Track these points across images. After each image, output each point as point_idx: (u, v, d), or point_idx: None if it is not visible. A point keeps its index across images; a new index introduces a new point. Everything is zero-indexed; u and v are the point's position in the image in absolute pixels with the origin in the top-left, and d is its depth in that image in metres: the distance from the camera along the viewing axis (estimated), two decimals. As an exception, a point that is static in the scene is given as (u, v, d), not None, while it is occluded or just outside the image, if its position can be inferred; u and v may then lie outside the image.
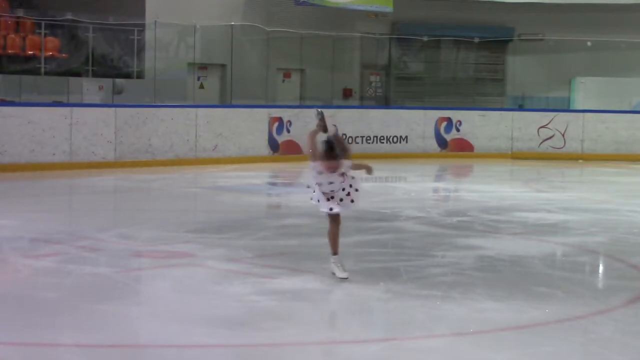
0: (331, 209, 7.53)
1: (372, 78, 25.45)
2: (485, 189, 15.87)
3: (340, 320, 6.75)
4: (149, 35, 20.72)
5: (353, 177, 7.61)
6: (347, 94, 24.66)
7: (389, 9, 23.78)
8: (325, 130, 7.89)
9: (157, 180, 16.07)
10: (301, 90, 24.08)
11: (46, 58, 19.55)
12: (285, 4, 22.86)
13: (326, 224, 7.69)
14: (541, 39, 25.42)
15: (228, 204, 13.29)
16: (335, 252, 7.63)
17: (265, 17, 22.69)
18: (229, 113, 19.89)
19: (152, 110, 18.59)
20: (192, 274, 7.97)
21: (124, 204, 14.05)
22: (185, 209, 13.29)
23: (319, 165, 7.48)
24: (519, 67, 25.69)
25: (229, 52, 22.10)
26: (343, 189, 7.54)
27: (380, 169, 19.15)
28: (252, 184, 16.23)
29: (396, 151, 21.81)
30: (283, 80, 24.02)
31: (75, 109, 17.60)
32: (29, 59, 19.54)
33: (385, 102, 25.12)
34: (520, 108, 24.77)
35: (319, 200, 7.58)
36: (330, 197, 7.53)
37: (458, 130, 22.47)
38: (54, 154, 17.01)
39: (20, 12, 20.29)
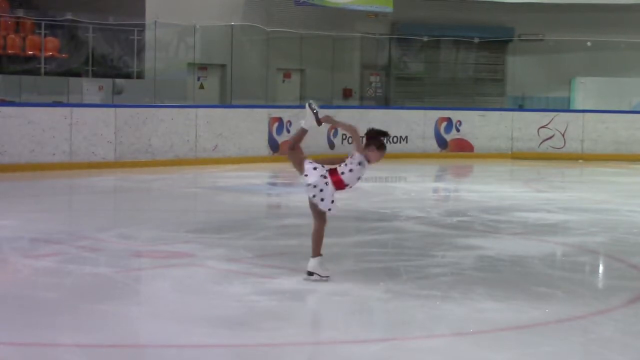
0: (329, 210, 7.52)
1: (372, 78, 25.46)
2: (485, 189, 15.87)
3: (340, 320, 6.74)
4: (149, 35, 20.73)
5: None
6: (347, 94, 24.67)
7: (389, 9, 23.78)
8: (319, 123, 7.91)
9: (157, 180, 16.07)
10: (301, 91, 24.08)
11: (46, 58, 19.55)
12: (285, 4, 22.86)
13: (328, 224, 7.65)
14: (541, 39, 25.43)
15: (228, 204, 13.29)
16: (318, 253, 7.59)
17: (265, 17, 22.70)
18: (229, 113, 19.89)
19: (152, 110, 18.59)
20: (192, 274, 7.97)
21: (124, 204, 14.05)
22: (185, 209, 13.29)
23: (365, 156, 7.38)
24: (519, 67, 25.70)
25: (229, 52, 22.11)
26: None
27: (380, 169, 19.18)
28: (252, 184, 16.23)
29: (396, 151, 21.78)
30: (283, 81, 24.02)
31: (75, 109, 17.60)
32: (29, 59, 19.55)
33: (385, 102, 25.12)
34: (520, 108, 24.77)
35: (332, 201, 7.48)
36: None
37: (458, 130, 22.47)
38: (54, 154, 17.01)
39: (20, 12, 20.29)
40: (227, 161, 19.17)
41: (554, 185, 17.66)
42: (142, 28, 20.70)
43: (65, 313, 6.49)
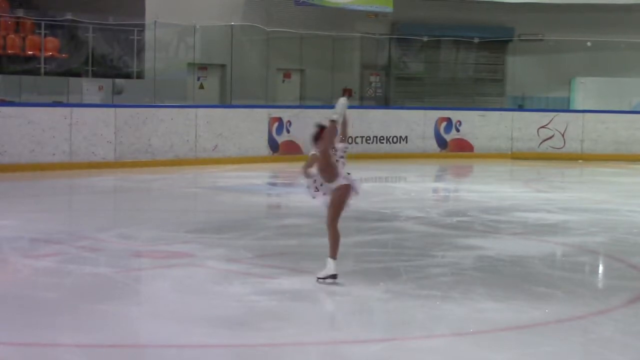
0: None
1: (372, 78, 25.45)
2: (485, 189, 15.87)
3: (340, 320, 6.75)
4: (148, 35, 20.72)
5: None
6: (346, 94, 24.66)
7: (389, 9, 23.78)
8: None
9: (157, 180, 16.07)
10: (301, 91, 24.07)
11: (46, 58, 19.54)
12: (285, 4, 22.86)
13: (325, 224, 7.65)
14: (541, 39, 25.42)
15: (228, 204, 13.30)
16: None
17: (265, 17, 22.69)
18: (229, 113, 19.89)
19: (152, 110, 18.59)
20: (192, 274, 7.97)
21: (124, 204, 14.05)
22: (185, 209, 13.29)
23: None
24: (518, 67, 25.69)
25: (229, 52, 22.10)
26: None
27: (380, 169, 19.20)
28: (252, 184, 16.23)
29: (396, 151, 21.80)
30: (283, 81, 24.02)
31: (75, 109, 17.60)
32: (29, 59, 19.54)
33: (385, 102, 25.11)
34: (520, 108, 24.76)
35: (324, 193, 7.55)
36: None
37: (458, 130, 22.47)
38: (54, 154, 17.01)
39: (20, 12, 20.28)
40: (227, 161, 19.17)
41: (554, 185, 17.66)
42: (142, 28, 20.69)
43: (65, 313, 6.49)
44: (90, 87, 19.56)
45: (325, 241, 7.64)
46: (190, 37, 21.72)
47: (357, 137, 21.29)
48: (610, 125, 22.58)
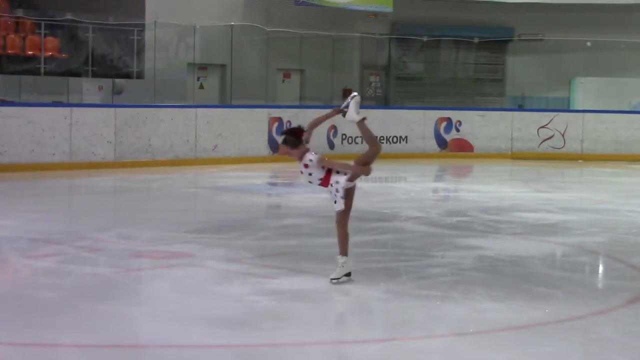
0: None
1: (372, 78, 25.45)
2: (485, 189, 15.87)
3: (340, 320, 6.75)
4: (148, 35, 20.72)
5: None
6: (347, 94, 24.63)
7: (388, 9, 23.79)
8: (344, 114, 7.88)
9: (157, 181, 16.07)
10: (301, 91, 24.08)
11: (46, 58, 19.54)
12: (285, 4, 22.86)
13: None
14: (541, 39, 25.43)
15: (228, 204, 13.29)
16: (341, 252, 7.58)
17: (264, 17, 22.70)
18: (229, 113, 19.89)
19: (151, 110, 18.59)
20: (191, 274, 7.97)
21: (124, 204, 14.05)
22: (185, 209, 13.29)
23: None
24: (518, 67, 25.70)
25: (229, 52, 22.10)
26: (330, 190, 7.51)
27: (380, 169, 19.16)
28: (252, 184, 16.23)
29: (396, 151, 21.79)
30: (283, 81, 24.02)
31: (75, 109, 17.60)
32: (29, 59, 19.54)
33: (385, 102, 25.12)
34: (520, 108, 24.76)
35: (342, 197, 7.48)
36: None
37: (458, 130, 22.47)
38: (53, 154, 17.01)
39: (20, 12, 20.28)
40: (227, 161, 19.17)
41: (554, 185, 17.66)
42: (142, 28, 20.69)
43: (65, 313, 6.48)
44: (90, 87, 19.56)
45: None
46: (190, 37, 21.72)
47: (357, 137, 21.28)
48: (610, 125, 22.58)
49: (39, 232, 9.90)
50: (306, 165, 7.41)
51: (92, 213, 12.26)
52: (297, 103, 23.11)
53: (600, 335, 6.26)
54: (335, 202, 7.38)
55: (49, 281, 7.55)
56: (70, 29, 20.15)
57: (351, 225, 7.58)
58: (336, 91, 24.28)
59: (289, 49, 23.41)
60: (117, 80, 20.00)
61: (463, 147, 22.48)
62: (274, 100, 22.78)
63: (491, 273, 8.24)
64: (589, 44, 24.91)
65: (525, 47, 25.60)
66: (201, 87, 22.36)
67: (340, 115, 7.84)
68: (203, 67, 22.45)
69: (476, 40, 25.37)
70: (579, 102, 25.23)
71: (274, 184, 17.32)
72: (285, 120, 20.18)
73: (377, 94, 25.38)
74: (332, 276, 7.43)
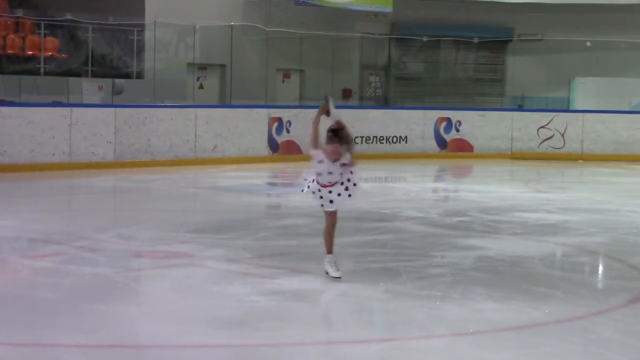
0: (322, 205, 7.52)
1: (372, 78, 25.45)
2: (485, 189, 15.87)
3: (340, 320, 6.74)
4: (148, 35, 20.72)
5: (352, 172, 7.54)
6: (346, 94, 24.66)
7: (388, 9, 23.79)
8: (328, 114, 7.85)
9: (157, 181, 16.07)
10: (301, 91, 24.08)
11: (46, 58, 19.54)
12: (285, 4, 22.87)
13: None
14: (541, 39, 25.43)
15: (228, 204, 13.29)
16: (329, 252, 7.59)
17: (264, 18, 22.70)
18: (229, 113, 19.89)
19: (151, 110, 18.59)
20: (191, 274, 7.96)
21: (124, 204, 14.05)
22: (185, 209, 13.29)
23: (321, 153, 7.42)
24: (518, 67, 25.70)
25: (229, 53, 22.11)
26: (342, 183, 7.48)
27: (380, 169, 19.19)
28: (251, 184, 16.23)
29: (396, 151, 21.80)
30: (283, 81, 24.02)
31: (75, 109, 17.60)
32: (29, 59, 19.54)
33: (384, 102, 25.12)
34: (520, 108, 24.77)
35: (314, 192, 7.52)
36: (329, 191, 7.47)
37: (458, 130, 22.47)
38: (53, 155, 17.01)
39: (20, 12, 20.28)
40: (226, 161, 19.17)
41: (554, 185, 17.66)
42: (141, 28, 20.69)
43: (65, 313, 6.48)
44: (90, 87, 19.57)
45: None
46: (190, 37, 21.73)
47: (357, 137, 21.29)
48: (610, 125, 22.58)
49: (38, 232, 9.90)
50: (343, 165, 7.43)
51: (91, 213, 12.26)
52: (297, 103, 23.10)
53: (600, 335, 6.26)
54: (349, 195, 7.43)
55: (49, 281, 7.54)
56: (70, 29, 20.15)
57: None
58: (336, 91, 24.28)
59: (288, 49, 23.41)
60: (117, 80, 20.00)
61: (463, 147, 22.48)
62: (274, 100, 22.78)
63: (491, 273, 8.24)
64: (589, 44, 24.91)
65: (525, 47, 25.60)
66: (201, 87, 22.36)
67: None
68: (203, 67, 22.45)
69: (476, 40, 25.38)
70: (578, 102, 25.23)
71: (273, 184, 17.32)
72: (285, 120, 20.17)
73: (377, 94, 25.38)
74: (335, 275, 7.45)
